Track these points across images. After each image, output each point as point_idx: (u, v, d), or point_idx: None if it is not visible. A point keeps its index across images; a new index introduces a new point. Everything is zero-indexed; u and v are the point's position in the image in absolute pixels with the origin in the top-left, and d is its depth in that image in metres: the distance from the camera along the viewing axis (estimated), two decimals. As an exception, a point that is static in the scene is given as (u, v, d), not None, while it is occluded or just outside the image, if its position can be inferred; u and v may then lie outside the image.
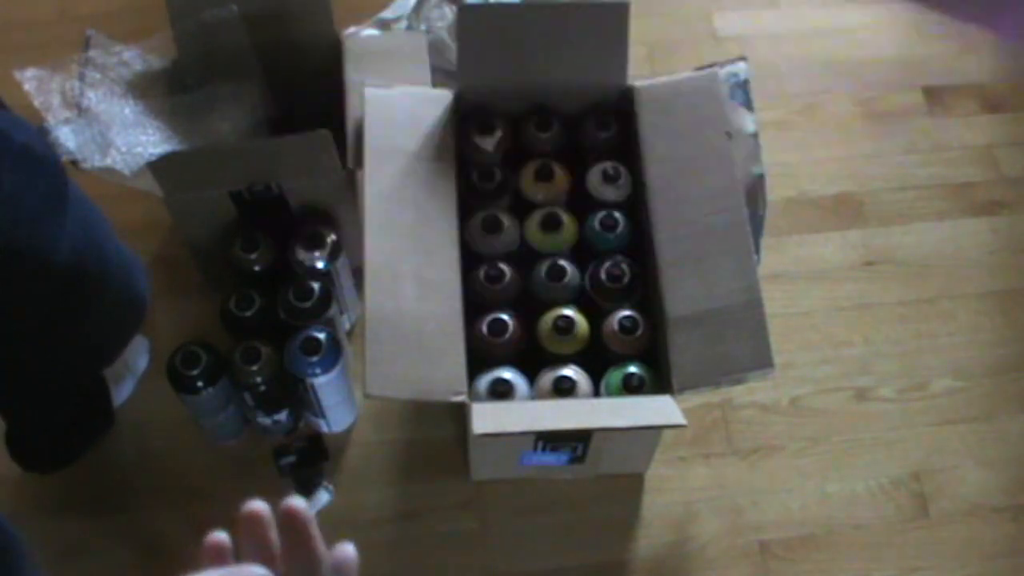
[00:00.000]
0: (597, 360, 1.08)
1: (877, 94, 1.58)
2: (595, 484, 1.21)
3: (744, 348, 1.00)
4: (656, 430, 1.12)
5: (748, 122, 1.15)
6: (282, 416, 1.19)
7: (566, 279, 1.11)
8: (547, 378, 1.06)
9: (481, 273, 1.10)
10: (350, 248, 1.20)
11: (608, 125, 1.17)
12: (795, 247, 1.42)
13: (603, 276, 1.10)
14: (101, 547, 1.18)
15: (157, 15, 1.19)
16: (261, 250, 1.17)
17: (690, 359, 1.01)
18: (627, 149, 1.17)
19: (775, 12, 1.68)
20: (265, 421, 1.19)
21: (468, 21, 1.12)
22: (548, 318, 1.09)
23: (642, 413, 1.01)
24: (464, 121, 1.17)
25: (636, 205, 1.14)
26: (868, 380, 1.33)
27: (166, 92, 1.17)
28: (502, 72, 1.15)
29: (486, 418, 0.98)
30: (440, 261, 1.06)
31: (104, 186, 1.06)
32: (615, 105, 1.17)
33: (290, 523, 0.43)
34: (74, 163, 1.04)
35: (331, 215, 1.21)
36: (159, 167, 1.08)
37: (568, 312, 1.08)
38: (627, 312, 1.08)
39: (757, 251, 1.09)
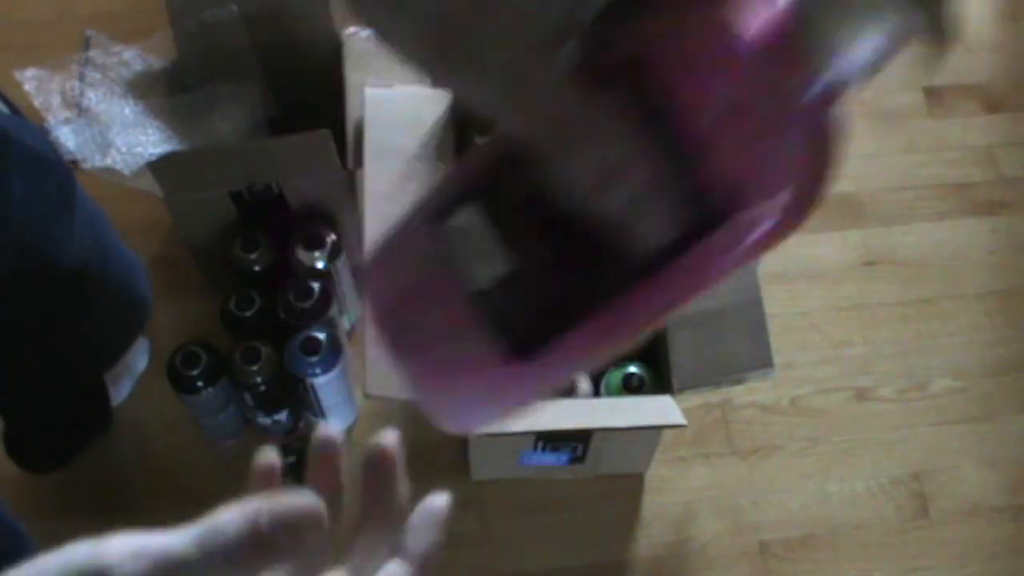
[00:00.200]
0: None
1: (877, 94, 1.58)
2: (595, 484, 1.21)
3: (744, 348, 1.00)
4: (656, 430, 1.12)
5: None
6: (282, 416, 1.19)
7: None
8: (547, 378, 1.06)
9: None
10: (350, 248, 1.20)
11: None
12: (795, 247, 1.42)
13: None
14: (101, 547, 1.18)
15: (157, 15, 1.19)
16: (261, 250, 1.17)
17: (690, 359, 1.01)
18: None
19: (775, 12, 1.68)
20: (265, 421, 1.19)
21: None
22: (548, 318, 1.09)
23: (642, 413, 1.01)
24: (464, 121, 1.17)
25: (636, 205, 1.14)
26: (868, 380, 1.33)
27: (166, 92, 1.17)
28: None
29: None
30: (440, 261, 1.06)
31: (104, 186, 1.06)
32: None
33: (375, 465, 0.38)
34: (74, 163, 1.04)
35: (331, 215, 1.21)
36: (159, 167, 1.08)
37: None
38: (627, 312, 1.08)
39: (757, 251, 1.09)
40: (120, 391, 1.25)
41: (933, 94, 1.58)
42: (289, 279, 1.14)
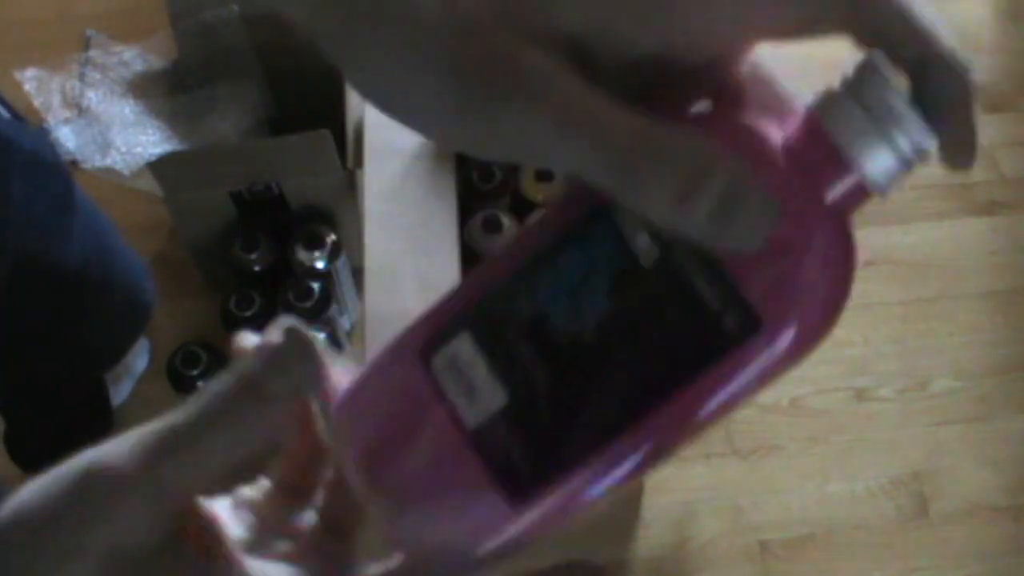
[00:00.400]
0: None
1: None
2: (595, 484, 1.21)
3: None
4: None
5: (748, 122, 1.15)
6: (282, 416, 1.19)
7: (566, 279, 1.11)
8: (547, 378, 1.06)
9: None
10: (350, 248, 1.20)
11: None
12: (795, 247, 1.42)
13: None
14: (101, 547, 1.18)
15: (157, 15, 1.19)
16: (261, 250, 1.17)
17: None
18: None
19: (775, 12, 1.68)
20: (265, 421, 1.19)
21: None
22: (548, 318, 1.09)
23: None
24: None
25: (636, 205, 1.14)
26: (868, 380, 1.33)
27: (166, 92, 1.17)
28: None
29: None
30: (440, 261, 1.06)
31: (104, 186, 1.06)
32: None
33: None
34: (74, 163, 1.04)
35: (331, 215, 1.21)
36: (159, 167, 1.08)
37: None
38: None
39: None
40: (120, 391, 1.25)
41: (933, 94, 1.58)
42: (289, 279, 1.15)
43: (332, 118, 1.14)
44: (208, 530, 0.30)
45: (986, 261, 1.43)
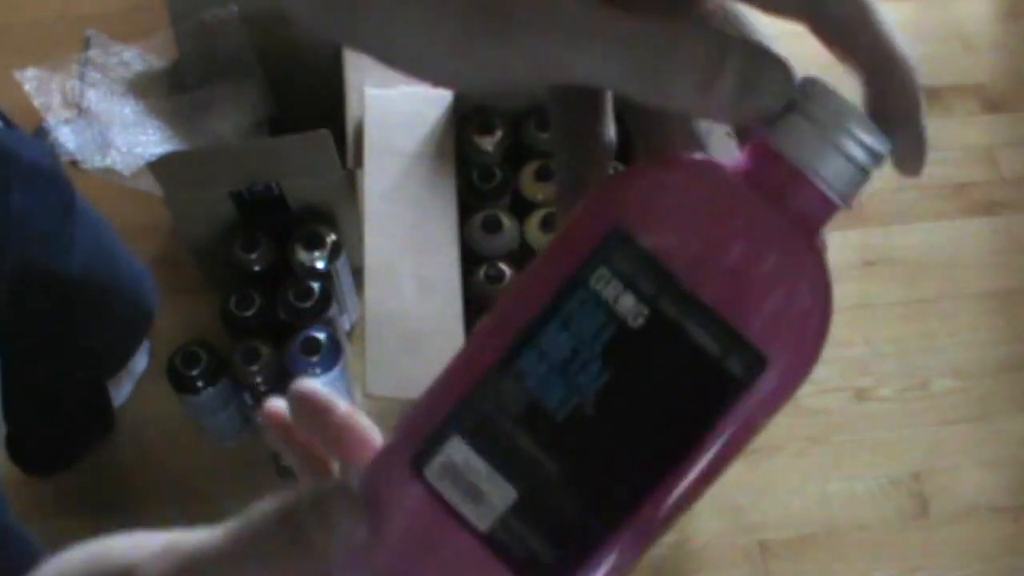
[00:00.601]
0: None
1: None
2: (595, 484, 1.21)
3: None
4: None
5: (748, 122, 1.15)
6: (282, 416, 1.19)
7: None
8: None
9: (481, 273, 1.10)
10: (350, 248, 1.20)
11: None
12: (795, 247, 1.42)
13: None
14: (101, 547, 1.18)
15: (157, 15, 1.19)
16: (261, 250, 1.17)
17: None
18: (628, 149, 1.17)
19: (775, 12, 1.68)
20: (265, 421, 1.19)
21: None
22: (548, 318, 1.09)
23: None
24: (464, 121, 1.17)
25: (636, 205, 1.14)
26: (868, 380, 1.33)
27: (166, 92, 1.17)
28: (502, 72, 1.15)
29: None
30: (440, 261, 1.06)
31: (104, 186, 1.06)
32: (616, 105, 1.17)
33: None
34: (74, 163, 1.04)
35: (331, 215, 1.21)
36: (159, 167, 1.08)
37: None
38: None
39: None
40: (120, 393, 1.25)
41: (933, 94, 1.58)
42: (289, 279, 1.15)
43: (332, 118, 1.14)
44: None
45: (986, 261, 1.43)
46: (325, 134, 1.09)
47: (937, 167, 1.51)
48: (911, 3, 1.69)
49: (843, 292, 1.45)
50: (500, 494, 0.29)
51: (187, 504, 1.20)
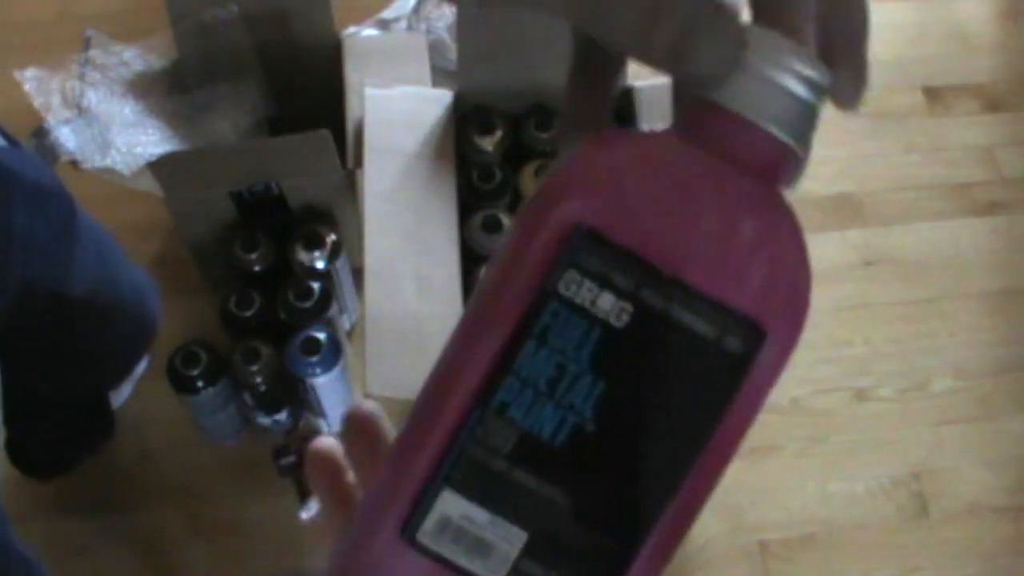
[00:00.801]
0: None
1: (877, 94, 1.58)
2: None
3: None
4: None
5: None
6: (282, 416, 1.19)
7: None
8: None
9: (481, 273, 1.10)
10: (350, 248, 1.20)
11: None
12: (795, 247, 1.42)
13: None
14: (101, 547, 1.18)
15: (157, 15, 1.19)
16: (261, 250, 1.17)
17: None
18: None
19: (775, 12, 1.68)
20: (265, 421, 1.19)
21: (468, 21, 1.12)
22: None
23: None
24: (464, 121, 1.17)
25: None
26: (868, 380, 1.33)
27: (166, 92, 1.17)
28: (502, 72, 1.15)
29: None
30: (440, 261, 1.06)
31: (104, 186, 1.06)
32: (615, 105, 1.17)
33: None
34: (74, 163, 1.04)
35: (331, 215, 1.21)
36: (159, 167, 1.08)
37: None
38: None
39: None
40: (120, 395, 1.25)
41: (933, 94, 1.59)
42: (289, 279, 1.15)
43: (332, 118, 1.14)
44: None
45: (986, 261, 1.43)
46: (325, 134, 1.09)
47: (937, 167, 1.52)
48: (911, 3, 1.69)
49: (843, 292, 1.45)
50: (509, 540, 0.27)
51: (187, 504, 1.20)
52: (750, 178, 0.27)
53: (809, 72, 0.27)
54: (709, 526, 1.21)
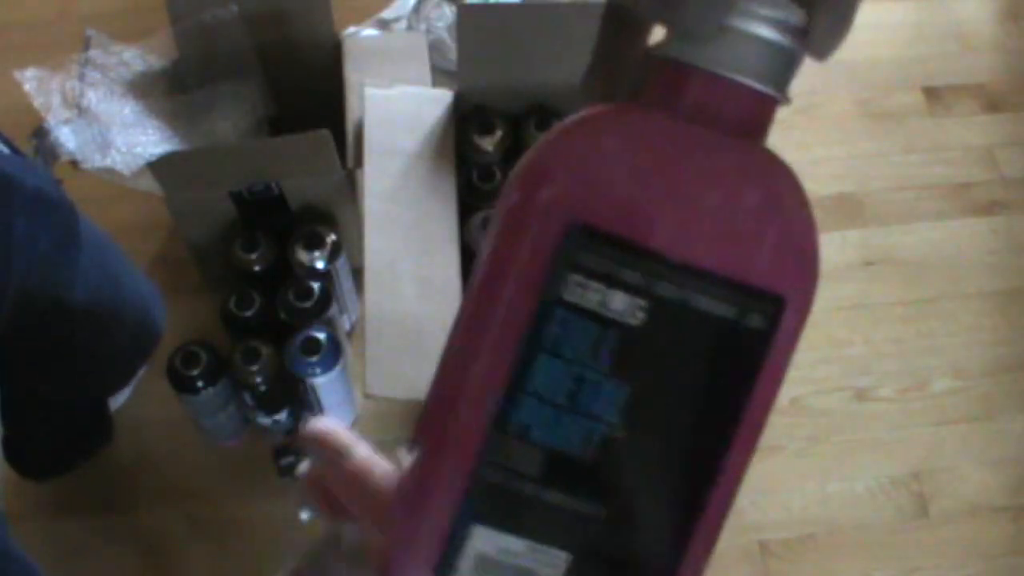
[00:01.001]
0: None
1: (877, 94, 1.58)
2: (595, 484, 1.21)
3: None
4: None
5: (748, 122, 1.15)
6: (282, 416, 1.19)
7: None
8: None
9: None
10: (350, 248, 1.20)
11: (608, 125, 1.17)
12: (795, 247, 1.42)
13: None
14: (101, 547, 1.18)
15: (157, 15, 1.19)
16: (261, 250, 1.17)
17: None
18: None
19: (775, 12, 1.68)
20: (265, 421, 1.19)
21: (468, 21, 1.12)
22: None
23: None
24: (464, 121, 1.17)
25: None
26: (868, 380, 1.33)
27: (166, 92, 1.17)
28: (502, 72, 1.15)
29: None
30: (440, 261, 1.06)
31: (104, 186, 1.06)
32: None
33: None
34: (74, 163, 1.04)
35: (331, 215, 1.21)
36: (159, 167, 1.08)
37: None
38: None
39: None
40: (119, 396, 1.25)
41: (933, 94, 1.58)
42: (289, 279, 1.15)
43: (332, 118, 1.14)
44: None
45: (986, 261, 1.43)
46: (325, 134, 1.09)
47: (937, 167, 1.52)
48: (911, 3, 1.69)
49: (843, 292, 1.45)
50: (552, 564, 0.25)
51: (187, 504, 1.20)
52: (737, 139, 0.26)
53: (778, 14, 0.25)
54: (709, 526, 1.21)
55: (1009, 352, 1.36)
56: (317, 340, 1.10)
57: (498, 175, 1.15)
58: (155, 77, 1.18)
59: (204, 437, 1.22)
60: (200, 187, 1.14)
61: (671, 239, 0.25)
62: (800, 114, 1.55)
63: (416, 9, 1.52)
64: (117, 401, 1.25)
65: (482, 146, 1.16)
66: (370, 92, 1.13)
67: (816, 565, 1.19)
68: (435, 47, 1.43)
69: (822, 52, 0.27)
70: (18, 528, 0.84)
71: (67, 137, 1.05)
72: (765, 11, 0.25)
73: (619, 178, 0.25)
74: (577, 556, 0.26)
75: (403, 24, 1.51)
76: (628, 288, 0.25)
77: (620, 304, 0.25)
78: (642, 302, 0.25)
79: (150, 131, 1.10)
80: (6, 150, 0.92)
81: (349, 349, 1.22)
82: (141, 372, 1.27)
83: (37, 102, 1.07)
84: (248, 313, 1.13)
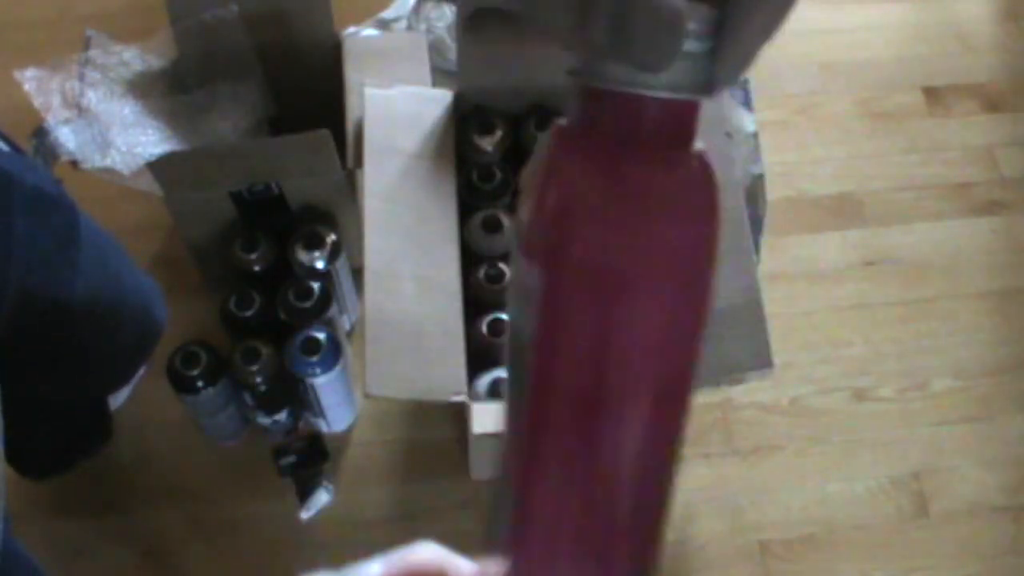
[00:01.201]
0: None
1: (877, 94, 1.58)
2: (595, 484, 1.21)
3: (744, 348, 1.00)
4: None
5: (748, 122, 1.15)
6: (282, 416, 1.19)
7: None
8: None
9: (481, 273, 1.10)
10: (350, 248, 1.20)
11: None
12: (795, 247, 1.42)
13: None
14: (101, 547, 1.18)
15: (157, 15, 1.19)
16: (261, 250, 1.17)
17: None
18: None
19: (775, 12, 1.68)
20: (265, 421, 1.19)
21: (468, 21, 1.12)
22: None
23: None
24: (464, 121, 1.17)
25: (636, 205, 1.14)
26: (868, 380, 1.33)
27: (166, 92, 1.17)
28: (502, 72, 1.15)
29: (486, 418, 0.98)
30: (440, 261, 1.06)
31: (104, 186, 1.06)
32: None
33: None
34: (74, 163, 1.04)
35: (331, 215, 1.21)
36: (159, 167, 1.08)
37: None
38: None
39: (756, 251, 1.09)
40: (118, 396, 1.25)
41: (933, 94, 1.58)
42: (289, 279, 1.15)
43: (332, 118, 1.14)
44: None
45: (986, 261, 1.43)
46: (325, 134, 1.09)
47: (937, 167, 1.52)
48: (911, 3, 1.69)
49: (843, 292, 1.45)
50: None
51: (187, 504, 1.20)
52: (661, 152, 0.27)
53: (699, 26, 0.26)
54: (709, 526, 1.21)
55: (1009, 352, 1.36)
56: (317, 340, 1.10)
57: (498, 175, 1.15)
58: (155, 77, 1.18)
59: (204, 437, 1.22)
60: (200, 187, 1.14)
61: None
62: (800, 114, 1.55)
63: (416, 9, 1.51)
64: (117, 400, 1.25)
65: (482, 146, 1.16)
66: (370, 92, 1.13)
67: (816, 565, 1.19)
68: (435, 47, 1.43)
69: (720, 82, 0.27)
70: (17, 528, 0.84)
71: (67, 137, 1.05)
72: (691, 26, 0.26)
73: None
74: None
75: (403, 24, 1.51)
76: None
77: None
78: None
79: (150, 131, 1.10)
80: (6, 148, 0.92)
81: (349, 349, 1.22)
82: (141, 371, 1.27)
83: (37, 102, 1.07)
84: (248, 313, 1.13)
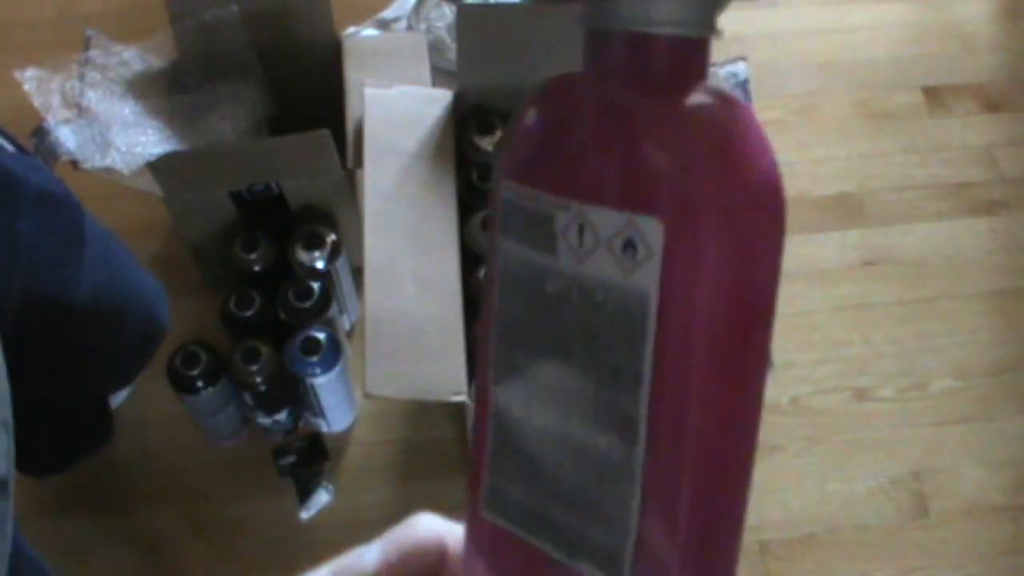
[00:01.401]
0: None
1: (877, 94, 1.58)
2: (595, 484, 1.21)
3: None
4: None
5: (748, 122, 1.15)
6: (282, 416, 1.19)
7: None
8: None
9: (481, 273, 1.10)
10: (350, 248, 1.20)
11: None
12: (795, 247, 1.42)
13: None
14: (101, 547, 1.18)
15: (157, 15, 1.19)
16: (261, 250, 1.17)
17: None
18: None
19: (774, 12, 1.69)
20: (265, 421, 1.19)
21: (468, 21, 1.12)
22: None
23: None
24: (464, 121, 1.17)
25: (636, 205, 1.14)
26: (868, 380, 1.33)
27: (166, 92, 1.17)
28: (502, 72, 1.15)
29: (486, 418, 0.98)
30: (440, 261, 1.06)
31: (104, 186, 1.06)
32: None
33: None
34: (74, 163, 1.04)
35: (331, 215, 1.21)
36: (159, 167, 1.08)
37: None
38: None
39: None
40: (118, 395, 1.25)
41: (933, 94, 1.59)
42: (289, 279, 1.15)
43: (332, 118, 1.14)
44: None
45: (986, 261, 1.43)
46: (325, 134, 1.09)
47: (937, 167, 1.52)
48: (911, 3, 1.69)
49: (843, 292, 1.45)
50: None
51: (187, 504, 1.20)
52: (673, 95, 0.26)
53: None
54: (709, 526, 1.21)
55: (1009, 352, 1.36)
56: (317, 340, 1.10)
57: (498, 175, 1.15)
58: (155, 77, 1.18)
59: (204, 437, 1.22)
60: (200, 187, 1.14)
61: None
62: (800, 114, 1.55)
63: (416, 9, 1.52)
64: (116, 400, 1.25)
65: (482, 146, 1.16)
66: (370, 92, 1.13)
67: (816, 565, 1.19)
68: (435, 47, 1.43)
69: None
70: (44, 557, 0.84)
71: (67, 137, 1.05)
72: None
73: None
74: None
75: (403, 24, 1.51)
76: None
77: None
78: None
79: (150, 131, 1.10)
80: (11, 148, 0.92)
81: (349, 349, 1.22)
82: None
83: (37, 102, 1.07)
84: (248, 313, 1.13)
